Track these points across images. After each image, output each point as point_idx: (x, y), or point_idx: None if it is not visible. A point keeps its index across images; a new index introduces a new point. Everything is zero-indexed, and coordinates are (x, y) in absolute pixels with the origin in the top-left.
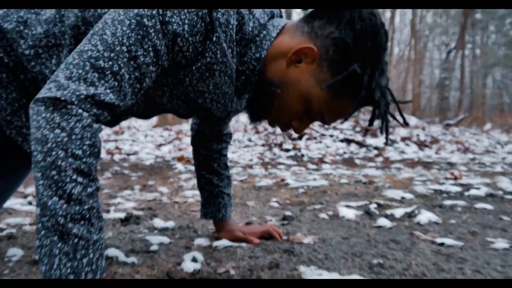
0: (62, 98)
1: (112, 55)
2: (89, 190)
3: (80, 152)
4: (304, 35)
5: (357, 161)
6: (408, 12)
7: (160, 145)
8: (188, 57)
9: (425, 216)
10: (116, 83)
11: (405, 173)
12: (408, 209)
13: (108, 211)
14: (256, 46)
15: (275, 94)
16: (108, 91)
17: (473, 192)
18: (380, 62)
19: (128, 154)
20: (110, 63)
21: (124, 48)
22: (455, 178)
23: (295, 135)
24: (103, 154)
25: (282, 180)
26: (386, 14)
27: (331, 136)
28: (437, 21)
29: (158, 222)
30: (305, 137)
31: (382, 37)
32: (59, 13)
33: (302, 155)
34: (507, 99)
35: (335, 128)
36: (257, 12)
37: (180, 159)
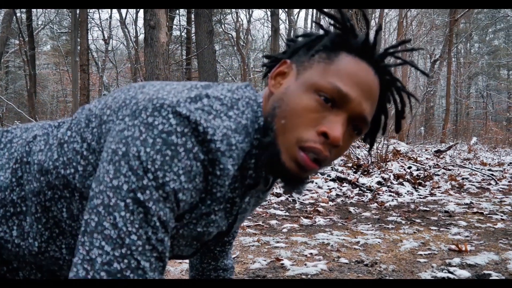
0: None
1: (124, 251)
2: None
3: None
4: None
5: (351, 209)
6: (394, 21)
7: None
8: (194, 202)
9: None
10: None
11: (406, 241)
12: None
13: None
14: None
15: (275, 116)
16: None
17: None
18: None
19: None
20: (126, 261)
21: (134, 237)
22: (460, 251)
23: None
24: None
25: (278, 259)
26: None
27: (322, 174)
28: (421, 30)
29: None
30: None
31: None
32: (15, 176)
33: (294, 201)
34: (491, 108)
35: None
36: (250, 109)
37: None
